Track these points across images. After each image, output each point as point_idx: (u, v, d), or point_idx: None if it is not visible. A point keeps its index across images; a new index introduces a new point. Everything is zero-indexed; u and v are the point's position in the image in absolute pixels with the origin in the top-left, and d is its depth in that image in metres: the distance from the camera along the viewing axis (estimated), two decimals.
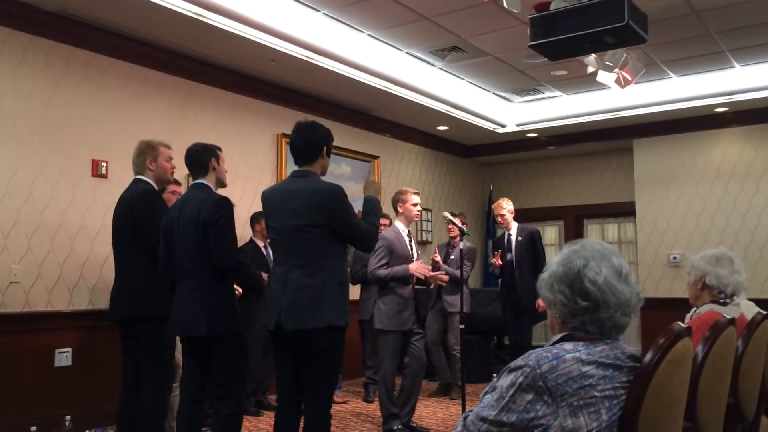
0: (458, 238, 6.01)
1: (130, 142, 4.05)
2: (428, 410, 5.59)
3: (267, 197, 3.21)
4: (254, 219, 5.57)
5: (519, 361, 1.44)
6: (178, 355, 3.89)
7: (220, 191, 3.47)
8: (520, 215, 6.34)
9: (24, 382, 4.42)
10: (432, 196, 8.69)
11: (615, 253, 1.55)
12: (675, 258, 7.75)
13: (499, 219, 6.06)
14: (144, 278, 3.54)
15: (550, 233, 9.52)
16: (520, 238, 5.94)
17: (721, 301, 2.60)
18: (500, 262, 5.92)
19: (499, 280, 6.24)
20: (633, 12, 3.85)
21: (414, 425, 4.68)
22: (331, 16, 5.26)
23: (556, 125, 7.90)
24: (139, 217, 3.55)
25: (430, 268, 4.71)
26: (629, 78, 5.23)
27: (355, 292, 5.80)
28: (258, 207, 5.14)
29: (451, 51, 6.00)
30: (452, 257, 6.15)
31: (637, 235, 8.18)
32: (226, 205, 3.30)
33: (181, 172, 4.09)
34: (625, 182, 8.58)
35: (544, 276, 1.58)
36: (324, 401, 3.08)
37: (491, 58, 6.19)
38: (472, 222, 9.17)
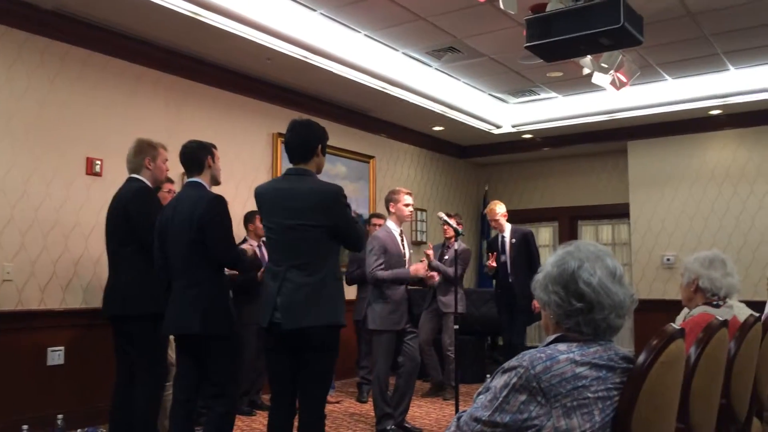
0: (453, 239, 6.02)
1: (125, 140, 4.04)
2: (422, 410, 5.59)
3: (261, 195, 3.19)
4: (248, 218, 5.55)
5: (513, 362, 1.45)
6: (172, 353, 3.89)
7: (214, 189, 3.47)
8: (515, 216, 6.36)
9: (16, 381, 4.40)
10: (427, 196, 8.69)
11: (609, 255, 1.56)
12: (668, 260, 7.78)
13: (493, 224, 6.10)
14: (137, 277, 3.54)
15: (545, 234, 9.53)
16: (513, 239, 5.95)
17: (714, 303, 2.61)
18: (495, 264, 5.94)
19: (494, 282, 6.25)
20: (629, 14, 3.86)
21: (407, 425, 4.69)
22: (327, 16, 5.26)
23: (552, 126, 7.92)
24: (133, 215, 3.54)
25: (426, 266, 4.73)
26: (624, 80, 5.25)
27: (350, 291, 5.81)
28: (253, 206, 5.13)
29: (447, 51, 6.00)
30: (446, 257, 6.17)
31: (631, 237, 8.20)
32: (221, 203, 3.29)
33: (175, 170, 4.08)
34: (619, 184, 8.61)
35: (539, 277, 1.59)
36: (319, 401, 3.09)
37: (487, 59, 6.20)
38: (467, 222, 9.19)
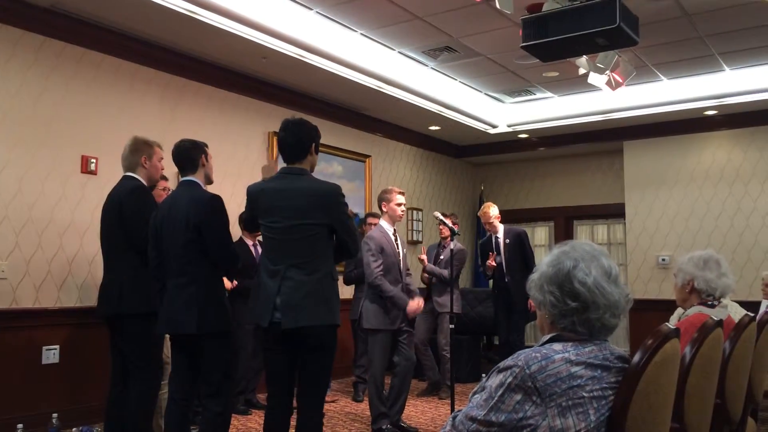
0: (449, 239, 6.02)
1: (120, 138, 4.03)
2: (417, 410, 5.60)
3: (256, 194, 3.19)
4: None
5: (508, 362, 1.45)
6: (167, 352, 3.88)
7: (209, 187, 3.46)
8: (510, 216, 6.37)
9: (11, 380, 4.38)
10: (423, 196, 8.70)
11: (604, 255, 1.56)
12: (664, 260, 7.80)
13: (487, 226, 6.11)
14: (132, 275, 3.52)
15: (540, 234, 9.55)
16: (507, 240, 5.96)
17: (709, 303, 2.61)
18: (494, 263, 5.94)
19: (490, 282, 6.26)
20: (624, 14, 3.87)
21: (403, 425, 4.69)
22: (323, 15, 5.25)
23: (547, 126, 7.92)
24: (127, 214, 3.53)
25: (421, 309, 4.73)
26: (620, 80, 5.26)
27: (346, 290, 5.81)
28: None
29: (444, 51, 6.00)
30: (442, 257, 6.17)
31: (627, 237, 8.22)
32: (218, 203, 3.29)
33: (170, 168, 4.06)
34: (614, 184, 8.62)
35: (534, 277, 1.59)
36: (318, 400, 3.10)
37: (483, 58, 6.20)
38: (462, 222, 9.19)
